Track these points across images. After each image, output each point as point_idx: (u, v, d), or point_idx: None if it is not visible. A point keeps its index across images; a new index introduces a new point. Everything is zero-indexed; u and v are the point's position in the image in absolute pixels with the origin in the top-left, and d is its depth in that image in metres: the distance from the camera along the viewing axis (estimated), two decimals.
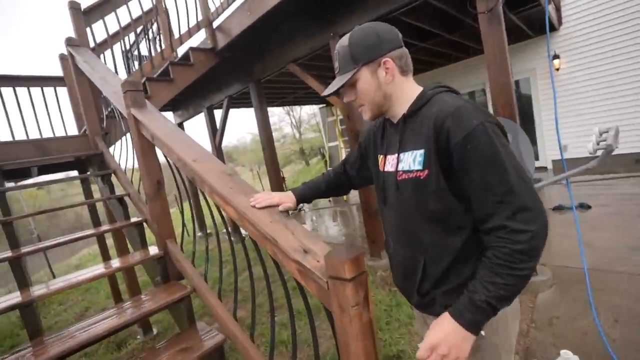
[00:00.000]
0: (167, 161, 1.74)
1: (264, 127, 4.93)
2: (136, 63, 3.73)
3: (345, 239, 5.13)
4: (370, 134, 1.14)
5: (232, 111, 5.65)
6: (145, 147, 1.80)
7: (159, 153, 1.79)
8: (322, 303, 0.89)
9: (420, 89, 0.92)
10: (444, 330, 0.75)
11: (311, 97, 8.58)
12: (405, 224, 0.93)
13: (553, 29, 5.97)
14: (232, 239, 1.45)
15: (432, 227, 0.86)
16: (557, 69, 6.12)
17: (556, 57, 6.07)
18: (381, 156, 1.03)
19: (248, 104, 7.07)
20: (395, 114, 0.94)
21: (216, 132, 5.98)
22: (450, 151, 0.77)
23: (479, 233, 0.80)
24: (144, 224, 2.11)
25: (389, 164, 0.98)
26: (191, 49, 3.85)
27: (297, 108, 25.30)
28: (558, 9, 5.92)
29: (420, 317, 1.06)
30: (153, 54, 3.66)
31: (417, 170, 0.84)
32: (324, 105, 10.56)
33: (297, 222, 1.11)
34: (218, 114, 6.11)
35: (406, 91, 0.92)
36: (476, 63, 6.85)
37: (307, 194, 1.25)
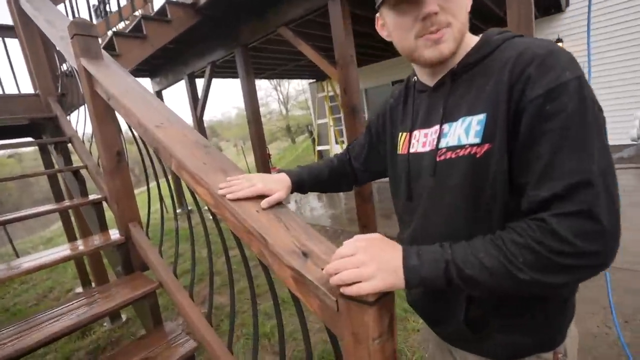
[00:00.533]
0: (129, 127, 1.39)
1: (250, 100, 4.53)
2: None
3: (332, 221, 4.90)
4: (385, 109, 0.87)
5: (217, 83, 5.17)
6: (101, 109, 1.45)
7: (121, 118, 1.43)
8: (325, 324, 0.63)
9: (475, 39, 0.66)
10: (376, 241, 0.55)
11: (302, 71, 8.10)
12: (445, 226, 0.65)
13: (559, 10, 5.68)
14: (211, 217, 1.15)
15: (486, 228, 0.58)
16: None
17: (559, 40, 5.82)
18: (404, 134, 0.77)
19: (233, 74, 6.56)
20: (447, 65, 0.67)
21: (197, 103, 5.52)
22: (520, 109, 0.53)
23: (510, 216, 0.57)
24: (103, 203, 1.77)
25: (420, 141, 0.71)
26: (168, 2, 3.36)
27: (285, 83, 24.55)
28: None
29: (444, 345, 0.79)
30: (122, 3, 3.16)
31: (473, 145, 0.58)
32: (315, 80, 10.08)
33: (293, 212, 0.83)
34: (201, 83, 5.62)
35: (466, 37, 0.65)
36: None
37: (306, 180, 0.94)
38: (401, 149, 0.77)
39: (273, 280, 0.87)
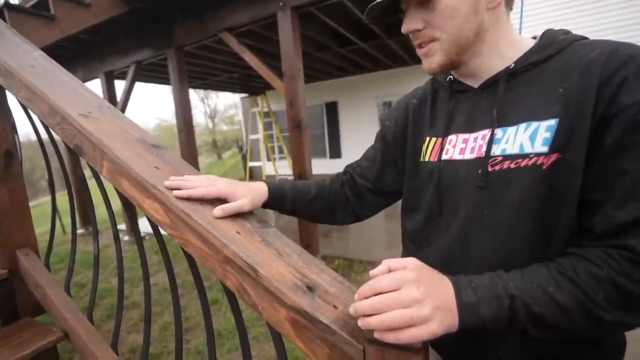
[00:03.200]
0: (28, 117, 1.02)
1: (182, 107, 4.09)
2: None
3: None
4: (406, 111, 0.74)
5: (136, 86, 4.56)
6: None
7: (16, 105, 1.05)
8: None
9: (526, 38, 0.61)
10: (424, 270, 0.45)
11: (234, 83, 7.80)
12: (497, 250, 0.54)
13: None
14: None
15: (542, 254, 0.51)
16: None
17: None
18: (433, 139, 0.67)
19: (162, 78, 5.95)
20: (481, 69, 0.60)
21: (116, 107, 4.79)
22: (609, 116, 0.46)
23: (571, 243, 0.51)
24: None
25: (458, 147, 0.61)
26: None
27: (213, 96, 23.58)
28: None
29: None
30: None
31: (540, 155, 0.50)
32: (247, 95, 9.78)
33: (281, 234, 0.65)
34: (120, 85, 4.91)
35: (508, 33, 0.59)
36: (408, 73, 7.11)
37: (287, 195, 0.76)
38: (429, 156, 0.66)
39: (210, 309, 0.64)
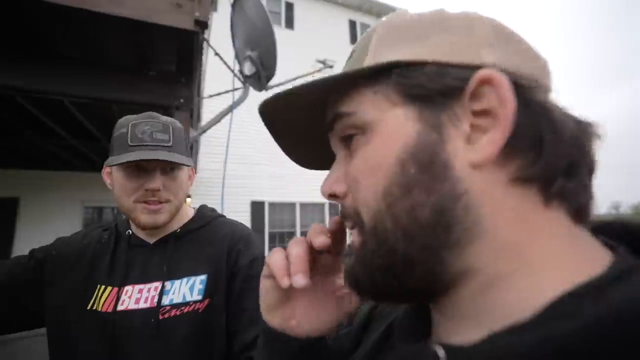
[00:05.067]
0: None
1: None
2: None
3: None
4: (83, 252, 0.75)
5: None
6: None
7: None
8: None
9: (191, 208, 0.86)
10: None
11: None
12: None
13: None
14: None
15: None
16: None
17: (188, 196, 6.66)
18: (108, 289, 0.71)
19: None
20: (165, 228, 0.77)
21: None
22: (235, 272, 0.75)
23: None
24: None
25: (134, 297, 0.70)
26: None
27: None
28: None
29: None
30: None
31: (197, 302, 0.71)
32: None
33: None
34: None
35: (184, 208, 0.82)
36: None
37: None
38: (102, 306, 0.68)
39: None
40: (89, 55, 2.04)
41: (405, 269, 0.24)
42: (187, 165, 0.75)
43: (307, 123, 0.32)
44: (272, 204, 7.73)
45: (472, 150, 0.23)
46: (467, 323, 0.24)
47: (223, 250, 0.75)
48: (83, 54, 2.02)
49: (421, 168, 0.24)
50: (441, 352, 0.23)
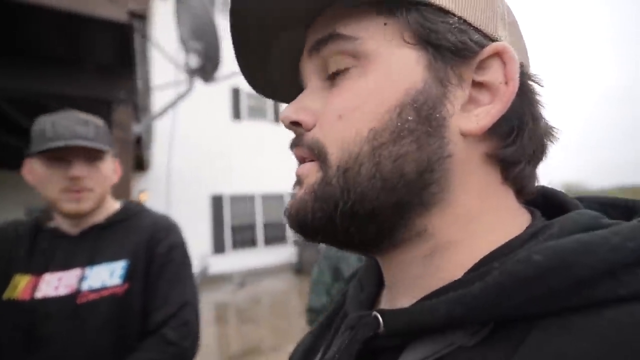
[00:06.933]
0: None
1: None
2: None
3: None
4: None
5: None
6: None
7: None
8: None
9: (116, 202, 0.89)
10: None
11: None
12: None
13: (142, 168, 6.12)
14: None
15: (126, 350, 0.74)
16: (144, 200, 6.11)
17: (143, 191, 6.63)
18: (26, 277, 0.74)
19: None
20: (86, 218, 0.80)
21: None
22: (153, 258, 0.81)
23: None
24: None
25: (52, 285, 0.73)
26: None
27: None
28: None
29: None
30: None
31: (116, 286, 0.75)
32: None
33: None
34: None
35: (109, 201, 0.86)
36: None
37: None
38: (20, 295, 0.71)
39: None
40: (17, 45, 1.93)
41: (369, 219, 0.23)
42: (106, 153, 0.78)
43: (280, 41, 0.29)
44: (233, 197, 7.68)
45: (466, 117, 0.23)
46: (407, 290, 0.25)
47: (145, 238, 0.81)
48: (10, 44, 1.91)
49: (420, 118, 0.23)
50: (379, 317, 0.23)
